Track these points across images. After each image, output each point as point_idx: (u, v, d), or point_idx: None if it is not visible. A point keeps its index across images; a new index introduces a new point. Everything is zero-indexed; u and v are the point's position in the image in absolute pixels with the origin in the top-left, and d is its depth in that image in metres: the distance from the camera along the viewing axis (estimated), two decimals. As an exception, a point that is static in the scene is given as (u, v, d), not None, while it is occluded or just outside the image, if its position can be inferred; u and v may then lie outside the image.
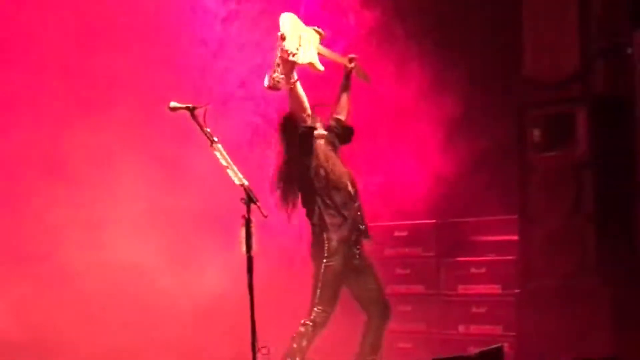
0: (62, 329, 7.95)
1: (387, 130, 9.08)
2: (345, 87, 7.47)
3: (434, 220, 9.23)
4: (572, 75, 8.31)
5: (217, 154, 5.89)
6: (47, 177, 8.16)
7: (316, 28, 7.20)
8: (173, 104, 6.04)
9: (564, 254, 8.29)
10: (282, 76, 6.79)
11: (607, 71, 8.33)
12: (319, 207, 7.01)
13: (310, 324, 6.96)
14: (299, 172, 7.05)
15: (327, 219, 7.00)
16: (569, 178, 8.31)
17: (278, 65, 6.80)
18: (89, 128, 8.24)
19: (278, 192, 7.08)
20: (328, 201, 7.03)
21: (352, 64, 7.46)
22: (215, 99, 8.68)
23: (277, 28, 6.83)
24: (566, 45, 8.33)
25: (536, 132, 8.47)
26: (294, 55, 6.81)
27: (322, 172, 7.04)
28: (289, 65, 6.82)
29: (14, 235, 8.11)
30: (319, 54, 7.18)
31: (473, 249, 9.20)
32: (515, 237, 8.73)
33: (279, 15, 6.91)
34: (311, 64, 7.08)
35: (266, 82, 6.84)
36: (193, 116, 5.96)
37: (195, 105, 5.97)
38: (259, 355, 5.74)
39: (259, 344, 5.72)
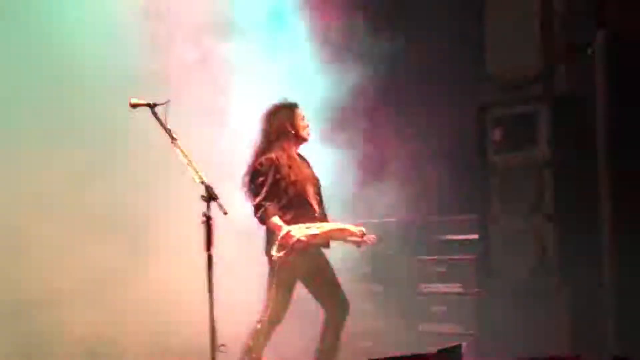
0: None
1: (347, 129, 9.05)
2: None
3: (394, 219, 9.24)
4: (534, 76, 8.36)
5: (178, 151, 5.88)
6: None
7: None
8: (134, 100, 6.02)
9: (524, 253, 8.34)
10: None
11: (568, 71, 8.38)
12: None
13: (266, 320, 6.97)
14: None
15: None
16: (530, 178, 8.36)
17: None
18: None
19: (245, 183, 7.13)
20: (284, 201, 7.04)
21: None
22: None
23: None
24: (528, 46, 8.37)
25: (497, 132, 8.52)
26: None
27: (281, 171, 7.05)
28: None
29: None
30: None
31: (434, 248, 9.22)
32: (476, 236, 8.78)
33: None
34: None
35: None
36: (153, 113, 5.94)
37: (156, 102, 5.94)
38: (217, 353, 5.73)
39: (218, 341, 5.71)
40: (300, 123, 7.28)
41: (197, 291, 5.89)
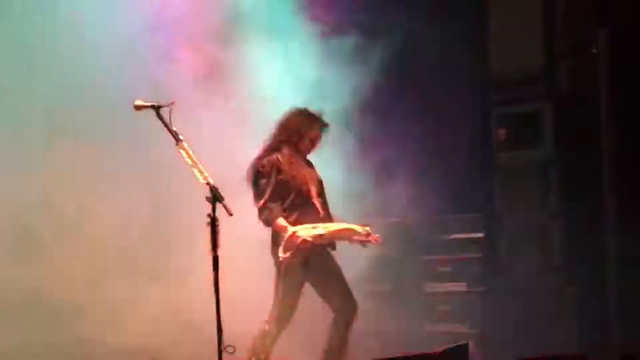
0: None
1: (351, 129, 9.06)
2: None
3: (399, 219, 9.25)
4: (538, 74, 8.37)
5: (183, 152, 5.89)
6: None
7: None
8: (138, 102, 6.02)
9: (529, 252, 8.35)
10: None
11: (572, 70, 8.41)
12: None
13: (274, 321, 6.99)
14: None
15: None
16: (534, 176, 8.38)
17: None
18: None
19: (247, 182, 7.15)
20: (287, 203, 7.05)
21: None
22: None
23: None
24: (531, 44, 8.39)
25: (501, 131, 8.54)
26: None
27: (283, 173, 7.07)
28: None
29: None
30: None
31: (439, 247, 9.23)
32: (481, 235, 8.79)
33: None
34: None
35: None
36: (158, 115, 5.94)
37: (160, 104, 5.95)
38: (224, 354, 5.73)
39: (225, 342, 5.71)
40: (308, 141, 7.28)
41: (204, 292, 5.91)
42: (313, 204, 7.17)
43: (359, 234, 7.12)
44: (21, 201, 7.99)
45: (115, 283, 8.10)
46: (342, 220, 7.36)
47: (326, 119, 7.43)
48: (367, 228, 7.20)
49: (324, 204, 7.30)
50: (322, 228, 7.04)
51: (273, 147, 7.18)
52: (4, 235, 7.97)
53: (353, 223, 7.24)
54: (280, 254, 6.90)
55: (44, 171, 8.05)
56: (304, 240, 6.90)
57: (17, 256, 7.98)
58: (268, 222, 7.01)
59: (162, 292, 8.10)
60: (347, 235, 7.16)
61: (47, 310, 7.92)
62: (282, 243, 6.91)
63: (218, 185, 5.79)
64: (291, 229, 6.93)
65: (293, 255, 6.88)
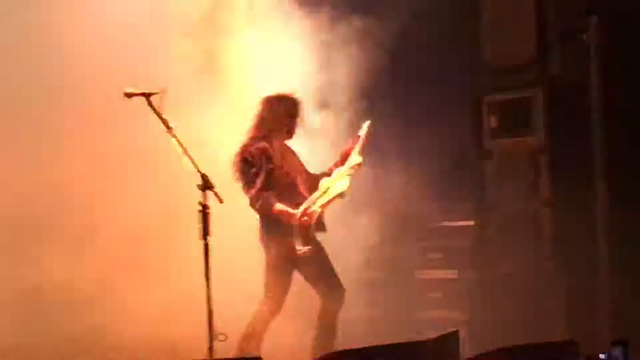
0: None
1: (342, 118, 9.05)
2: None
3: (391, 206, 9.24)
4: (529, 61, 8.35)
5: (174, 140, 5.88)
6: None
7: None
8: (128, 89, 6.01)
9: (520, 239, 8.34)
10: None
11: (563, 57, 8.38)
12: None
13: (265, 309, 7.00)
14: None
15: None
16: (526, 163, 8.37)
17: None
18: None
19: (236, 170, 7.14)
20: (277, 191, 7.03)
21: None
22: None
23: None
24: (523, 31, 8.37)
25: (492, 118, 8.53)
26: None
27: (273, 161, 7.05)
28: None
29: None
30: None
31: (430, 234, 9.23)
32: (472, 223, 8.79)
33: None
34: None
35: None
36: (149, 102, 5.93)
37: (151, 91, 5.93)
38: (216, 342, 5.74)
39: (217, 330, 5.72)
40: (297, 120, 7.30)
41: (195, 280, 5.91)
42: (300, 192, 7.18)
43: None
44: (30, 193, 7.98)
45: (126, 273, 8.09)
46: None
47: (323, 105, 7.47)
48: (357, 160, 7.23)
49: (309, 186, 7.28)
50: (318, 206, 7.03)
51: (261, 136, 7.15)
52: (16, 228, 7.97)
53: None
54: (300, 247, 6.87)
55: (53, 164, 8.04)
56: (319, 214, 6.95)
57: (28, 247, 7.96)
58: (264, 209, 6.98)
59: (173, 282, 8.09)
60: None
61: (58, 300, 7.91)
62: (298, 236, 6.89)
63: (214, 174, 5.81)
64: (299, 210, 6.90)
65: (312, 250, 6.91)
